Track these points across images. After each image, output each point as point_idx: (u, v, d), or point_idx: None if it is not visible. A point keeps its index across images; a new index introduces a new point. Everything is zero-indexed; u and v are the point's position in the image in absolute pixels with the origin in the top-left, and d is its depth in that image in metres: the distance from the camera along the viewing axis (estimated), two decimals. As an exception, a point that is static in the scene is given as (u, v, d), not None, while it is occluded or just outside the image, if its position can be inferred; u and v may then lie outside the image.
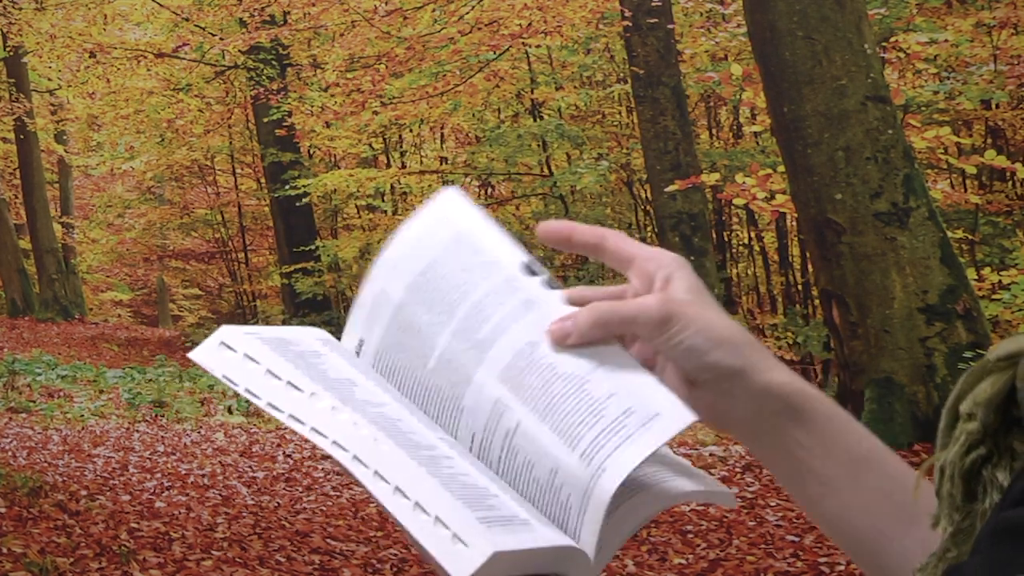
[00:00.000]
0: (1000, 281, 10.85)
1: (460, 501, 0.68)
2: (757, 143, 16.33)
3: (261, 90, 18.18)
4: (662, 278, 0.79)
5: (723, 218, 17.72)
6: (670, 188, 11.98)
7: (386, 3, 17.09)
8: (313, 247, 19.79)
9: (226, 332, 0.77)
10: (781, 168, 9.18)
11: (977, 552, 0.58)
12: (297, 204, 19.37)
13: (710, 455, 8.21)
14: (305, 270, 19.91)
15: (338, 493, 7.51)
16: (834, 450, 0.76)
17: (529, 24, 14.65)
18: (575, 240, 0.80)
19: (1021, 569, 0.53)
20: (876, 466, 0.77)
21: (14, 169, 25.57)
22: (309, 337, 0.80)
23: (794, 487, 0.78)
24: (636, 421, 0.72)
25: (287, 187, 18.89)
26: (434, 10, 16.05)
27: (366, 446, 0.72)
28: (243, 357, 0.76)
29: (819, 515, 0.78)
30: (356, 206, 21.89)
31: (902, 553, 0.76)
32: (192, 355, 0.77)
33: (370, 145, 20.54)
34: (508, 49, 15.72)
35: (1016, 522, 0.54)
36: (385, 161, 21.77)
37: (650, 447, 0.70)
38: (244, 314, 25.40)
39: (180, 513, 6.60)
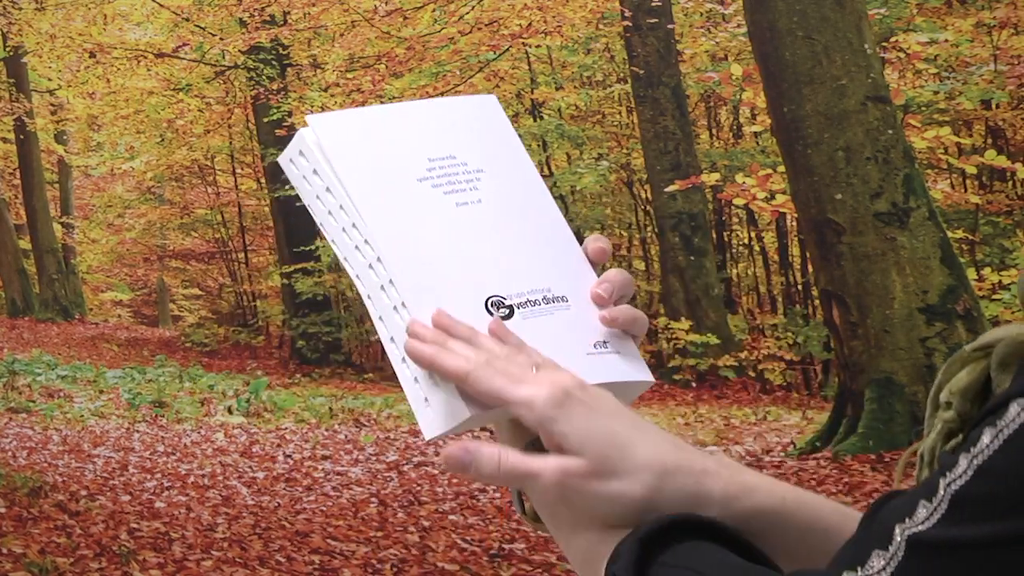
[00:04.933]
0: (1000, 281, 10.86)
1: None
2: (757, 143, 16.32)
3: (261, 90, 18.18)
4: (549, 431, 0.71)
5: (723, 218, 17.71)
6: (670, 188, 11.99)
7: (386, 3, 17.09)
8: (313, 247, 19.78)
9: (303, 140, 0.83)
10: (781, 168, 9.18)
11: None
12: (297, 204, 19.27)
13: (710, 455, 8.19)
14: (305, 270, 19.90)
15: (338, 493, 7.51)
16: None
17: (529, 24, 14.65)
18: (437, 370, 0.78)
19: None
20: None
21: (14, 169, 25.56)
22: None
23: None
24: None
25: (287, 187, 18.87)
26: (434, 10, 16.05)
27: (376, 289, 0.80)
28: (312, 171, 0.83)
29: None
30: (356, 206, 21.85)
31: None
32: (279, 160, 0.86)
33: (370, 145, 20.51)
34: (508, 49, 15.72)
35: (922, 540, 0.56)
36: (385, 161, 21.74)
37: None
38: (244, 314, 25.39)
39: (180, 513, 6.60)
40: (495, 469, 0.71)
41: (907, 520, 0.57)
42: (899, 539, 0.57)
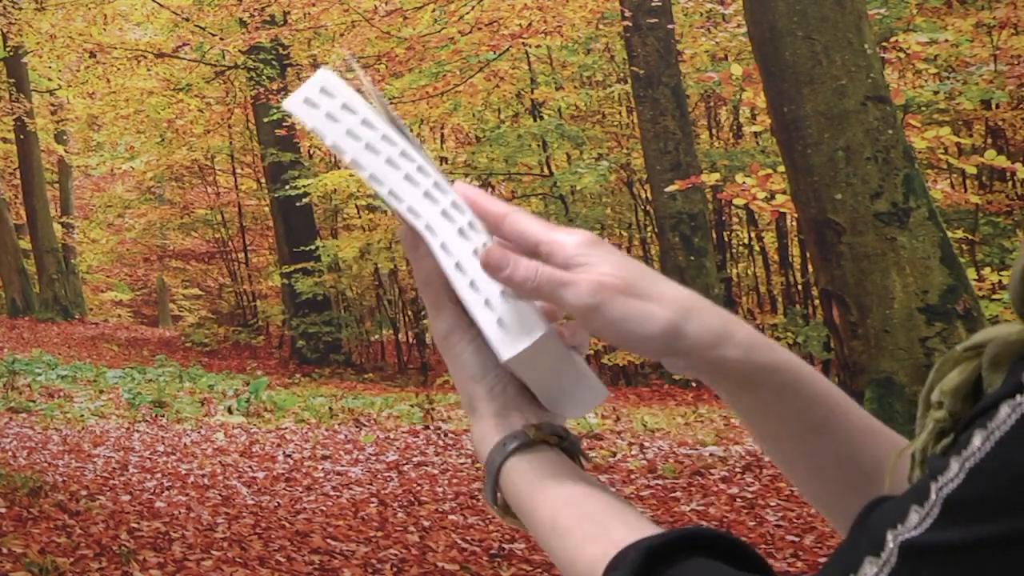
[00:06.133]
0: (1000, 281, 10.86)
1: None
2: (757, 143, 16.33)
3: (261, 90, 18.17)
4: (582, 263, 0.75)
5: (723, 218, 17.72)
6: (670, 188, 11.98)
7: (386, 3, 17.09)
8: (313, 247, 19.79)
9: (327, 78, 0.78)
10: (781, 168, 9.18)
11: None
12: (297, 204, 19.37)
13: (710, 455, 8.21)
14: (305, 270, 19.91)
15: (338, 493, 7.52)
16: (786, 420, 0.78)
17: (529, 24, 14.65)
18: (479, 211, 0.78)
19: None
20: (828, 433, 0.78)
21: (14, 169, 25.56)
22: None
23: (756, 440, 0.81)
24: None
25: (287, 187, 18.89)
26: (434, 10, 16.05)
27: (437, 216, 0.77)
28: (341, 107, 0.78)
29: (781, 468, 0.81)
30: (356, 206, 21.88)
31: (849, 514, 0.77)
32: (286, 104, 0.78)
33: (370, 145, 20.49)
34: (508, 49, 15.72)
35: (915, 545, 0.56)
36: (385, 161, 21.72)
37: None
38: (244, 314, 25.39)
39: (180, 513, 6.60)
40: (532, 273, 0.73)
41: (899, 526, 0.57)
42: (891, 545, 0.56)
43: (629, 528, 0.70)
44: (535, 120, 18.06)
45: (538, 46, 16.44)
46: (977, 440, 0.55)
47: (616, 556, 0.68)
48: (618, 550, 0.68)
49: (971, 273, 10.05)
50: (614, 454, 8.58)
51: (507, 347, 0.75)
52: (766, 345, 0.75)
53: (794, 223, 14.22)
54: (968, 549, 0.54)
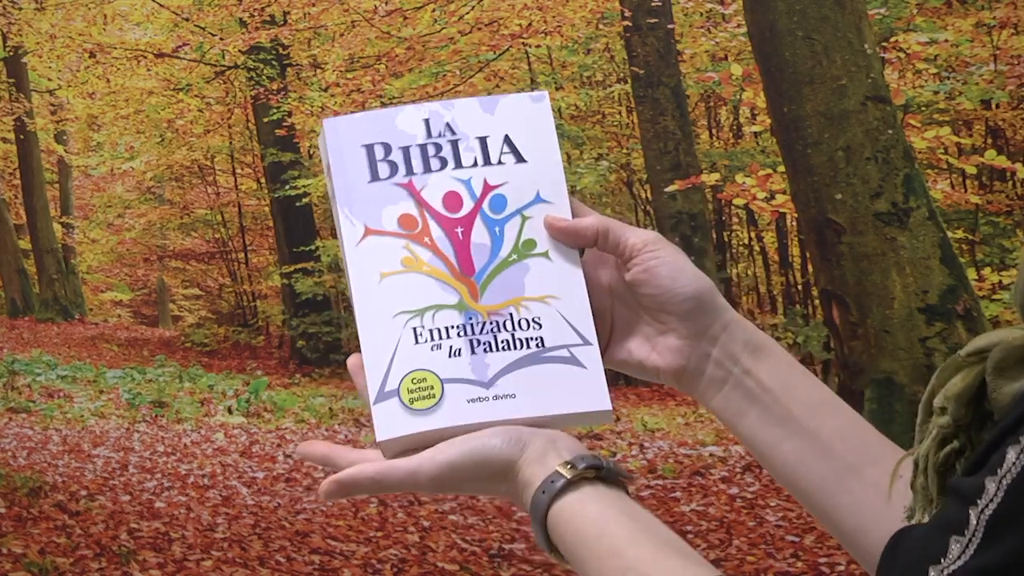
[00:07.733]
0: (1000, 281, 10.86)
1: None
2: (757, 143, 16.32)
3: (261, 90, 18.17)
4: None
5: (723, 218, 17.71)
6: (670, 188, 11.98)
7: (386, 3, 17.08)
8: (313, 247, 19.79)
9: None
10: (781, 168, 9.18)
11: None
12: (297, 204, 19.37)
13: (710, 455, 8.21)
14: (305, 270, 19.90)
15: (338, 493, 7.50)
16: (794, 392, 0.80)
17: (529, 24, 14.65)
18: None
19: None
20: (832, 410, 0.81)
21: (14, 169, 25.55)
22: None
23: (752, 432, 0.82)
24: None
25: (287, 187, 18.88)
26: (434, 10, 16.05)
27: None
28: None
29: (775, 460, 0.81)
30: (356, 206, 21.83)
31: (853, 495, 0.79)
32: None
33: (370, 145, 20.48)
34: (508, 49, 15.71)
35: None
36: (385, 161, 21.70)
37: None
38: (244, 314, 25.38)
39: (180, 513, 6.60)
40: (599, 219, 0.83)
41: (942, 560, 0.55)
42: None
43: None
44: (535, 120, 18.00)
45: (538, 46, 16.43)
46: (1011, 455, 0.54)
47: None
48: None
49: (971, 273, 10.05)
50: (614, 454, 8.58)
51: (606, 399, 0.82)
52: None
53: (794, 223, 14.22)
54: (1017, 565, 0.53)
